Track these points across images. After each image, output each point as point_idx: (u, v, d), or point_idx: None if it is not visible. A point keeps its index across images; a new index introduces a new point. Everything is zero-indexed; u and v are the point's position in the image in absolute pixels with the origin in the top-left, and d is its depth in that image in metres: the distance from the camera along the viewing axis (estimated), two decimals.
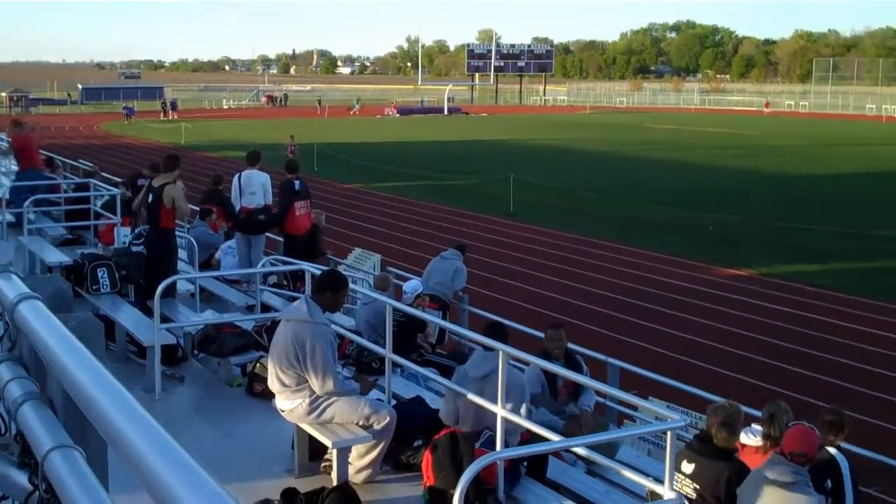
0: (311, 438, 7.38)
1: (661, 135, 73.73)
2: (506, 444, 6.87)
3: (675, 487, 6.03)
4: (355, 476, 7.26)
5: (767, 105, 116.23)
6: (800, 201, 37.17)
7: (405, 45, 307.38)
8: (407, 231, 29.62)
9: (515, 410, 7.09)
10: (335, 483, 6.98)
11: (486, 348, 7.46)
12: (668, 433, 5.85)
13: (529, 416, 7.45)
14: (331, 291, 7.48)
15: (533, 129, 78.89)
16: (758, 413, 7.63)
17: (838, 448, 7.36)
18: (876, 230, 28.58)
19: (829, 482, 7.07)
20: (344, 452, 7.14)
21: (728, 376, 15.97)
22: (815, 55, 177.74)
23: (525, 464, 7.28)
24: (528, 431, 6.94)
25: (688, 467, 6.59)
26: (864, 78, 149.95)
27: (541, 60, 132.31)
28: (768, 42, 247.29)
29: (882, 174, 47.33)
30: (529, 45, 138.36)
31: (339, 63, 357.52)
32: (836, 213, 33.44)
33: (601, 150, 59.93)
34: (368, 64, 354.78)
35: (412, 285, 13.46)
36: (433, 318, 11.53)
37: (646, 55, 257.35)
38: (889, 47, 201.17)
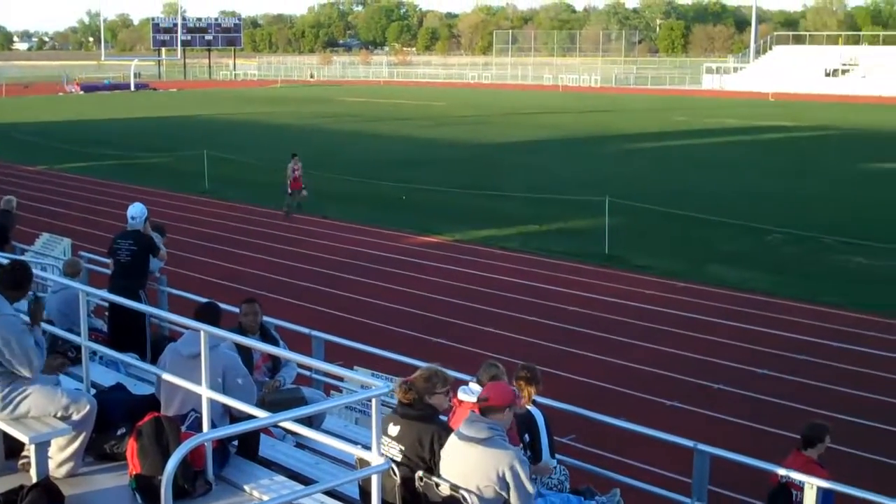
0: (6, 436, 6.97)
1: (352, 107, 74.56)
2: (213, 425, 6.77)
3: (382, 452, 6.16)
4: (56, 471, 6.92)
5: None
6: (488, 168, 38.76)
7: (86, 19, 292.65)
8: (98, 213, 28.39)
9: (230, 389, 7.04)
10: (35, 480, 6.63)
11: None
12: (373, 400, 5.96)
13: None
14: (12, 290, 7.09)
15: (225, 104, 77.58)
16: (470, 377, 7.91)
17: (534, 402, 7.79)
18: (559, 195, 30.24)
19: (526, 436, 7.48)
20: (43, 447, 6.78)
21: (432, 342, 16.44)
22: (496, 28, 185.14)
23: (235, 443, 7.21)
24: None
25: (393, 430, 6.74)
26: (541, 49, 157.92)
27: (229, 34, 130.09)
28: (451, 16, 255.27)
29: (561, 140, 50.16)
30: (217, 19, 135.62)
31: (16, 39, 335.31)
32: (522, 179, 35.12)
33: (295, 123, 59.87)
34: (47, 39, 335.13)
35: (138, 209, 12.39)
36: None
37: (334, 28, 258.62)
38: (562, 20, 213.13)
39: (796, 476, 7.66)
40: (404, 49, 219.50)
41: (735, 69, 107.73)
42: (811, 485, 7.40)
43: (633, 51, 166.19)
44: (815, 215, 28.10)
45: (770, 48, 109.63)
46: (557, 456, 8.01)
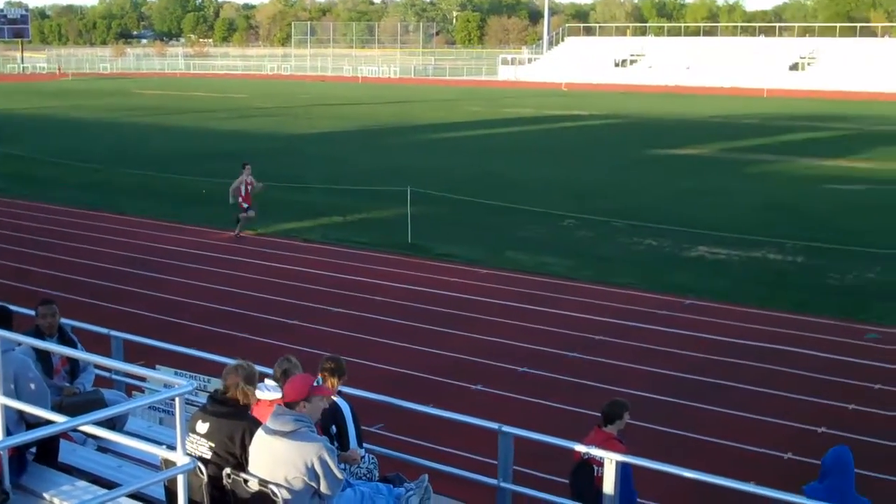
0: None
1: (150, 100, 72.52)
2: (8, 432, 6.49)
3: (189, 450, 6.05)
4: None
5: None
6: (291, 160, 38.46)
7: None
8: None
9: (23, 394, 6.76)
10: None
11: None
12: (177, 399, 5.84)
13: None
14: None
15: (13, 99, 74.03)
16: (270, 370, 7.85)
17: (339, 393, 7.81)
18: (361, 185, 30.28)
19: (333, 427, 7.49)
20: None
21: (238, 337, 16.19)
22: (294, 19, 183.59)
23: (33, 450, 6.93)
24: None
25: (202, 427, 6.63)
26: (340, 41, 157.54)
27: (16, 26, 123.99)
28: (248, 7, 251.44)
29: (362, 131, 50.25)
30: (2, 10, 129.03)
31: None
32: (324, 170, 35.01)
33: (88, 117, 57.73)
34: None
35: None
36: None
37: (127, 19, 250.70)
38: (360, 11, 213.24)
39: (597, 452, 7.94)
40: (201, 40, 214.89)
41: (529, 60, 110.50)
42: (610, 460, 7.70)
43: (431, 42, 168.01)
44: (606, 200, 29.19)
45: (562, 40, 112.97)
46: (366, 445, 8.05)
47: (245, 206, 23.96)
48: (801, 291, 19.32)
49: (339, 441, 7.46)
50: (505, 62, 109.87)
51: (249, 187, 23.90)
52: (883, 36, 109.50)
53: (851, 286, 19.93)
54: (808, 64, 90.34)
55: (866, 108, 64.95)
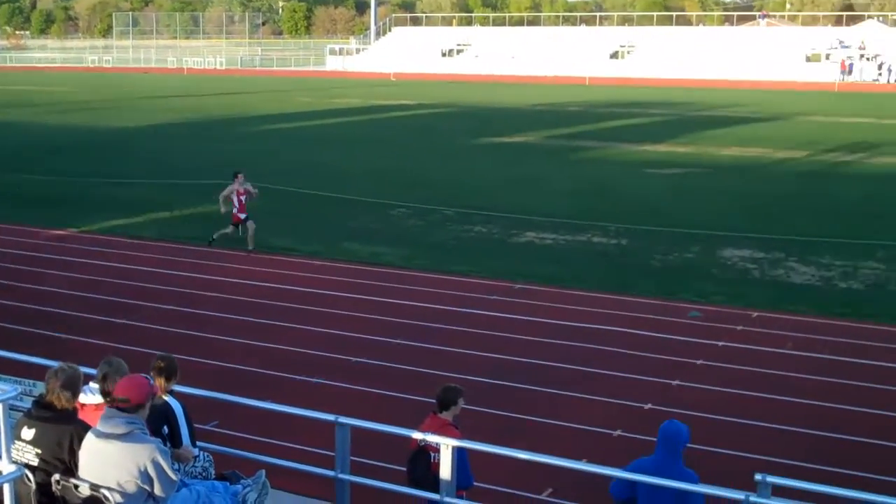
0: None
1: None
2: None
3: (15, 457, 5.86)
4: None
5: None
6: (117, 154, 37.37)
7: None
8: None
9: None
10: None
11: None
12: (0, 405, 5.67)
13: None
14: None
15: None
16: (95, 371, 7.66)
17: (171, 393, 7.69)
18: (192, 180, 29.69)
19: (165, 427, 7.38)
20: None
21: (65, 339, 15.67)
22: (115, 10, 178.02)
23: None
24: None
25: (28, 433, 6.44)
26: (163, 32, 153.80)
27: None
28: None
29: (188, 123, 49.25)
30: None
31: None
32: (152, 165, 34.16)
33: None
34: None
35: None
36: None
37: None
38: (184, 1, 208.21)
39: (433, 439, 8.06)
40: (17, 33, 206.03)
41: (357, 50, 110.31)
42: (446, 446, 7.83)
43: (258, 33, 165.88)
44: (437, 189, 29.49)
45: (389, 30, 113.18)
46: (201, 443, 7.96)
47: (242, 216, 21.66)
48: (626, 273, 19.99)
49: (172, 441, 7.35)
50: (333, 53, 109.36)
51: (244, 197, 21.67)
52: (698, 24, 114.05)
53: (673, 266, 20.73)
54: (628, 52, 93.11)
55: (683, 94, 67.48)
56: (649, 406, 12.90)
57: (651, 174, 33.19)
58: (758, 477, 6.79)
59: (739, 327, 16.47)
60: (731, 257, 21.39)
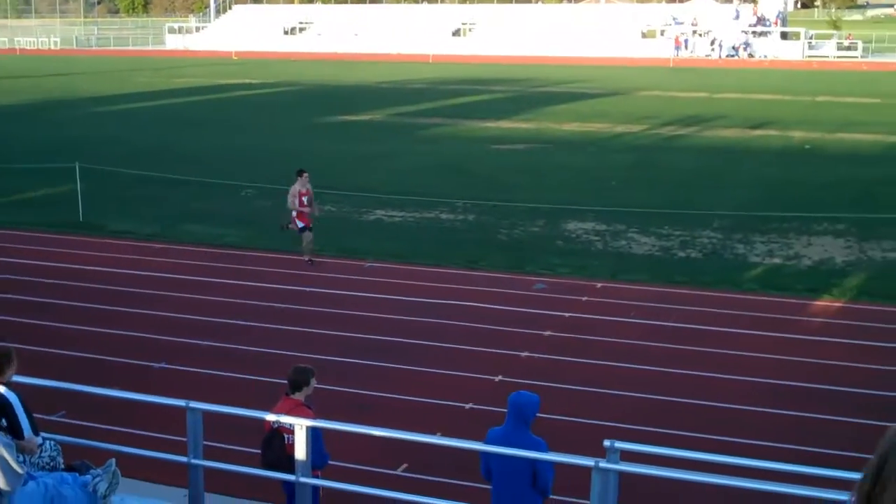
0: None
1: None
2: None
3: None
4: None
5: None
6: None
7: None
8: None
9: None
10: None
11: None
12: None
13: None
14: None
15: None
16: None
17: (8, 384, 7.43)
18: (24, 164, 28.61)
19: (3, 420, 7.13)
20: None
21: None
22: None
23: None
24: None
25: None
26: None
27: None
28: None
29: (21, 105, 47.43)
30: None
31: None
32: None
33: None
34: None
35: None
36: None
37: None
38: None
39: (286, 420, 8.02)
40: None
41: (197, 29, 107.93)
42: (300, 426, 7.80)
43: (93, 11, 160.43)
44: (283, 168, 29.07)
45: (230, 8, 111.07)
46: (47, 434, 7.72)
47: (300, 224, 19.05)
48: (474, 248, 20.23)
49: (13, 433, 7.11)
50: (172, 31, 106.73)
51: (305, 198, 19.07)
52: (536, 2, 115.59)
53: (518, 240, 21.08)
54: (470, 30, 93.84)
55: (525, 71, 68.43)
56: (500, 378, 13.12)
57: (496, 150, 33.60)
58: (606, 443, 6.98)
59: (585, 298, 16.89)
60: (575, 230, 21.88)
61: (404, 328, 15.24)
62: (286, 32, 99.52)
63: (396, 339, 14.77)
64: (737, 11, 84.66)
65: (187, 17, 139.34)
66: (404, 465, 10.55)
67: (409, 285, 17.61)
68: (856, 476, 2.61)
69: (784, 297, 16.96)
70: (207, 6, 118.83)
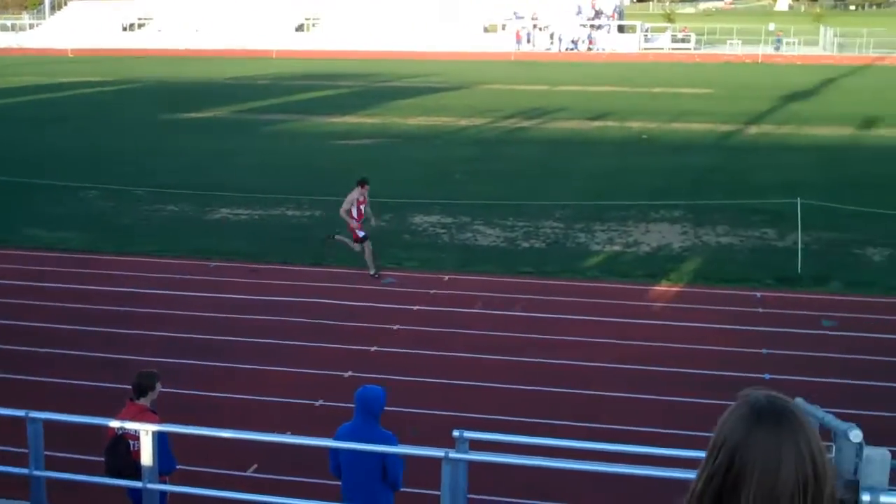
0: None
1: None
2: None
3: None
4: None
5: None
6: None
7: None
8: None
9: None
10: None
11: None
12: None
13: None
14: None
15: None
16: None
17: None
18: None
19: None
20: None
21: None
22: None
23: None
24: None
25: None
26: None
27: None
28: None
29: None
30: None
31: None
32: None
33: None
34: None
35: None
36: None
37: None
38: None
39: (131, 426, 7.89)
40: None
41: (31, 26, 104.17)
42: (146, 431, 7.68)
43: None
44: (126, 168, 28.50)
45: (65, 4, 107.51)
46: None
47: (362, 234, 17.97)
48: (321, 244, 20.12)
49: None
50: (4, 29, 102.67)
51: (363, 207, 18.08)
52: None
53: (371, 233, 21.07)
54: (314, 25, 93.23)
55: (370, 66, 68.43)
56: (349, 374, 13.15)
57: (342, 146, 33.54)
58: (455, 433, 7.10)
59: (433, 291, 17.07)
60: (421, 223, 22.07)
61: (251, 327, 15.11)
62: (125, 29, 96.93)
63: (243, 338, 14.64)
64: (579, 7, 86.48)
65: (20, 14, 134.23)
66: (254, 466, 10.48)
67: (256, 284, 17.44)
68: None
69: (624, 283, 17.51)
70: (42, 3, 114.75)
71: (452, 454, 7.07)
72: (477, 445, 7.47)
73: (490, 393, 12.70)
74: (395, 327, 15.18)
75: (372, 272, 17.88)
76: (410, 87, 54.05)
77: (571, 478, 9.49)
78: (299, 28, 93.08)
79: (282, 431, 10.65)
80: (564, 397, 12.54)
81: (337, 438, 7.54)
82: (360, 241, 17.90)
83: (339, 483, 7.68)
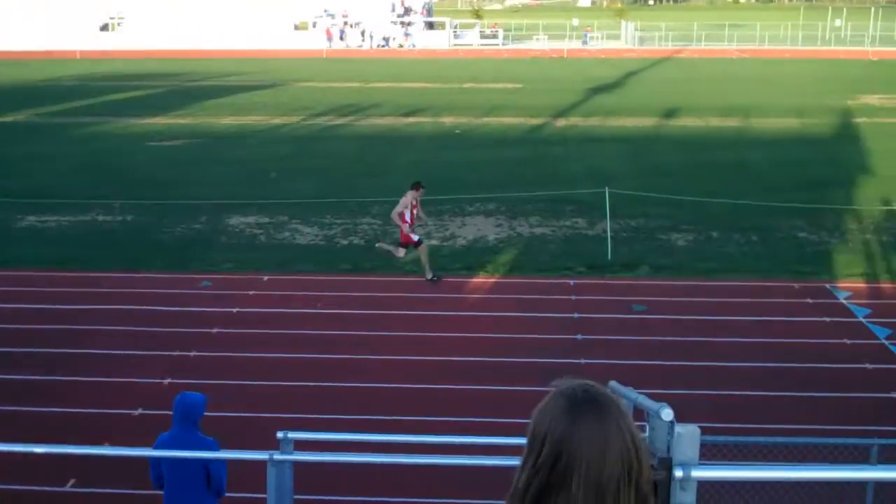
0: None
1: None
2: None
3: None
4: None
5: None
6: None
7: None
8: None
9: None
10: None
11: None
12: None
13: None
14: None
15: None
16: None
17: None
18: None
19: None
20: None
21: None
22: None
23: None
24: None
25: None
26: None
27: None
28: None
29: None
30: None
31: None
32: None
33: None
34: None
35: None
36: None
37: None
38: None
39: None
40: None
41: None
42: None
43: None
44: None
45: None
46: None
47: (415, 238, 17.51)
48: (135, 249, 19.63)
49: None
50: None
51: (416, 210, 17.57)
52: None
53: (182, 238, 20.68)
54: (119, 24, 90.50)
55: (179, 65, 66.89)
56: (169, 380, 12.88)
57: (153, 147, 32.71)
58: (279, 434, 7.06)
59: (252, 292, 16.89)
60: (238, 224, 21.77)
61: (64, 337, 14.60)
62: None
63: (56, 350, 14.13)
64: (392, 4, 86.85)
65: None
66: (72, 481, 10.14)
67: (68, 293, 16.85)
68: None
69: (443, 276, 17.73)
70: None
71: (277, 456, 7.03)
72: (302, 445, 7.45)
73: (315, 392, 12.67)
74: (215, 330, 14.95)
75: (429, 276, 17.48)
76: (222, 85, 53.15)
77: (399, 472, 9.59)
78: (104, 27, 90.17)
79: (99, 443, 10.35)
80: (389, 392, 12.63)
81: (157, 448, 7.39)
82: (416, 244, 17.47)
83: (162, 493, 7.53)
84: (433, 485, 9.86)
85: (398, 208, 17.31)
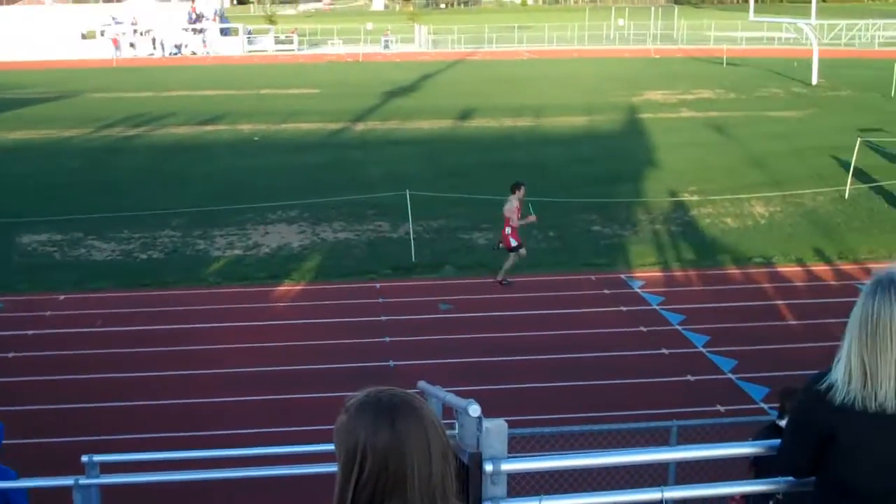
0: None
1: None
2: None
3: None
4: None
5: None
6: None
7: None
8: None
9: None
10: None
11: None
12: None
13: None
14: None
15: None
16: None
17: None
18: None
19: None
20: None
21: None
22: None
23: None
24: None
25: None
26: None
27: None
28: None
29: None
30: None
31: None
32: None
33: None
34: None
35: None
36: None
37: None
38: None
39: None
40: None
41: None
42: None
43: None
44: None
45: None
46: None
47: (514, 243, 17.38)
48: None
49: None
50: None
51: (519, 215, 17.40)
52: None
53: None
54: None
55: None
56: None
57: None
58: (84, 458, 6.88)
59: (48, 312, 16.29)
60: (30, 243, 20.90)
61: None
62: None
63: None
64: (189, 14, 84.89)
65: None
66: None
67: None
68: None
69: (247, 286, 17.58)
70: None
71: (83, 480, 6.86)
72: (110, 467, 7.29)
73: (122, 412, 12.36)
74: (10, 355, 14.35)
75: (499, 278, 17.52)
76: (7, 98, 50.75)
77: (212, 487, 9.48)
78: None
79: None
80: (196, 407, 12.45)
81: None
82: (513, 249, 17.43)
83: None
84: (248, 498, 9.79)
85: (514, 213, 17.34)
